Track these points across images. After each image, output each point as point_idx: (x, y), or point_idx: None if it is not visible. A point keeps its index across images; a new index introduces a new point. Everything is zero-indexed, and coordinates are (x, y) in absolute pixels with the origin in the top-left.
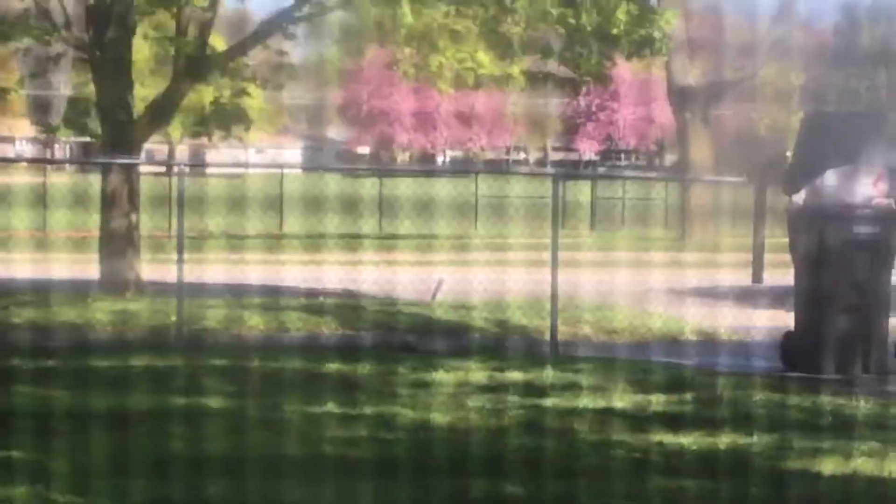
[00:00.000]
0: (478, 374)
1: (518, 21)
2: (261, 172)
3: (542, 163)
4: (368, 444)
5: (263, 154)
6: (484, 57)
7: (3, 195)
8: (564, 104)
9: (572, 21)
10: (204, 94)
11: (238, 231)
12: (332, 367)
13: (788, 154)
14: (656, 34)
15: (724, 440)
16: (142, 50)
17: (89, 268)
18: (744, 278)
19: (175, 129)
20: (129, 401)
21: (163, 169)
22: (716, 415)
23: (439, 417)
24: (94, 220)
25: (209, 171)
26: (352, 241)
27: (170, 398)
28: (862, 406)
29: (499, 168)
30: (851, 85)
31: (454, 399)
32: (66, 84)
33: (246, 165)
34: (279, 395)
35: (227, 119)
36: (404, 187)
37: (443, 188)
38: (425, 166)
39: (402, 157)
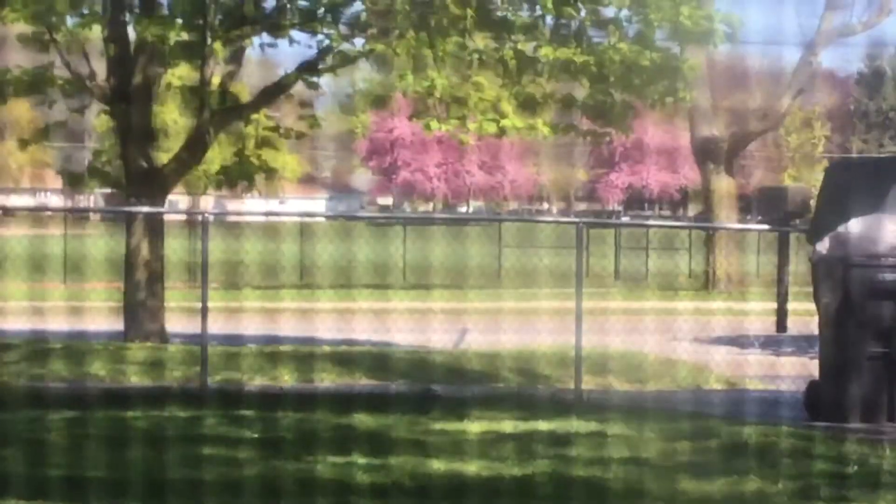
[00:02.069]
0: (503, 423)
1: (541, 71)
2: (285, 221)
3: (565, 212)
4: (396, 494)
5: (286, 204)
6: (507, 107)
7: (29, 246)
8: (588, 154)
9: (595, 69)
10: (228, 144)
11: (262, 281)
12: (359, 417)
13: (813, 203)
14: (679, 83)
15: (750, 488)
16: (166, 100)
17: (114, 319)
18: (769, 327)
19: (199, 179)
20: (154, 452)
21: (187, 218)
22: (741, 464)
23: (466, 467)
24: (119, 270)
25: (233, 220)
26: (376, 290)
27: (195, 449)
28: (888, 455)
29: (523, 217)
30: (876, 133)
31: (480, 448)
32: (90, 134)
33: (270, 215)
34: (304, 446)
35: (250, 168)
36: (429, 236)
37: (467, 237)
38: (449, 215)
39: (426, 207)
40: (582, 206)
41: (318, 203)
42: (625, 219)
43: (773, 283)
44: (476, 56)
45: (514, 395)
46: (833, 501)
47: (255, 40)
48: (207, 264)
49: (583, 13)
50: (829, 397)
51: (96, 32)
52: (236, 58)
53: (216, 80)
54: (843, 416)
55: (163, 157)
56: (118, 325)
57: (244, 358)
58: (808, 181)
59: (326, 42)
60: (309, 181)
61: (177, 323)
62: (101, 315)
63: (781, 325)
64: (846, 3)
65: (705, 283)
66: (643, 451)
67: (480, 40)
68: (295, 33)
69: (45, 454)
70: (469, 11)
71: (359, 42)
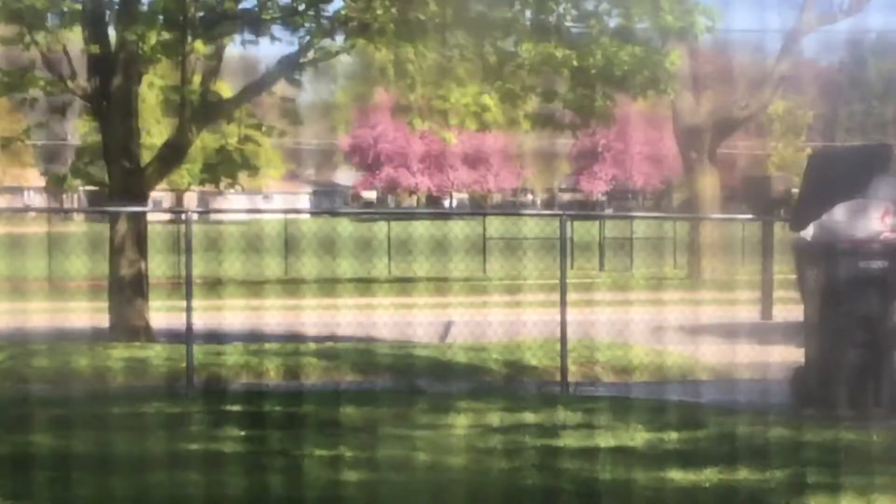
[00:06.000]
0: (490, 415)
1: (522, 64)
2: (269, 218)
3: (549, 204)
4: (382, 487)
5: (270, 200)
6: (489, 100)
7: (13, 245)
8: (571, 145)
9: (576, 63)
10: (210, 141)
11: (247, 277)
12: (346, 411)
13: (796, 190)
14: (661, 74)
15: (738, 477)
16: (148, 98)
17: (99, 316)
18: (753, 315)
19: (182, 176)
20: (140, 448)
21: (170, 216)
22: (729, 452)
23: (452, 460)
24: (103, 268)
25: (217, 217)
26: (361, 285)
27: (180, 444)
28: (875, 440)
29: (507, 209)
30: (858, 120)
31: (467, 441)
32: (72, 133)
33: (254, 211)
34: (290, 440)
35: (233, 166)
36: (412, 230)
37: (451, 231)
38: (433, 209)
39: (410, 201)
40: (566, 198)
41: (301, 198)
42: (608, 210)
43: (757, 272)
44: (457, 52)
45: (501, 387)
46: (821, 487)
47: (236, 37)
48: (192, 262)
49: (563, 7)
50: (815, 384)
51: (77, 32)
52: (217, 55)
53: (197, 79)
54: (829, 403)
55: (145, 156)
56: (103, 323)
57: (230, 354)
58: (791, 170)
59: (308, 38)
60: (293, 177)
61: (162, 319)
62: (85, 314)
63: (766, 312)
64: None
65: (690, 271)
66: (630, 440)
67: (461, 37)
68: (276, 30)
69: (29, 452)
70: (448, 9)
71: (339, 38)
